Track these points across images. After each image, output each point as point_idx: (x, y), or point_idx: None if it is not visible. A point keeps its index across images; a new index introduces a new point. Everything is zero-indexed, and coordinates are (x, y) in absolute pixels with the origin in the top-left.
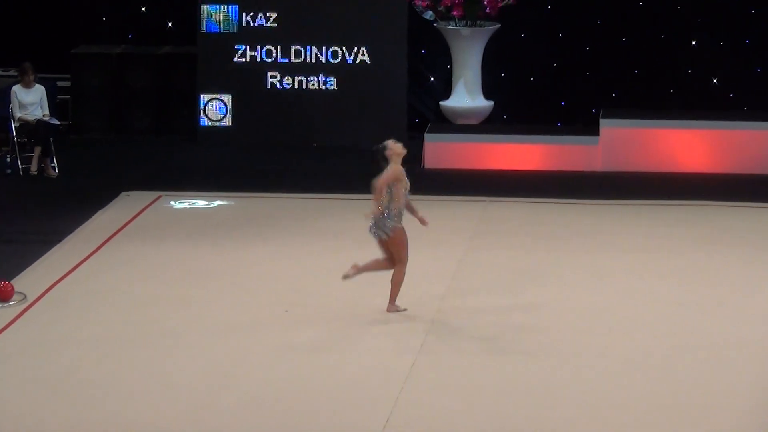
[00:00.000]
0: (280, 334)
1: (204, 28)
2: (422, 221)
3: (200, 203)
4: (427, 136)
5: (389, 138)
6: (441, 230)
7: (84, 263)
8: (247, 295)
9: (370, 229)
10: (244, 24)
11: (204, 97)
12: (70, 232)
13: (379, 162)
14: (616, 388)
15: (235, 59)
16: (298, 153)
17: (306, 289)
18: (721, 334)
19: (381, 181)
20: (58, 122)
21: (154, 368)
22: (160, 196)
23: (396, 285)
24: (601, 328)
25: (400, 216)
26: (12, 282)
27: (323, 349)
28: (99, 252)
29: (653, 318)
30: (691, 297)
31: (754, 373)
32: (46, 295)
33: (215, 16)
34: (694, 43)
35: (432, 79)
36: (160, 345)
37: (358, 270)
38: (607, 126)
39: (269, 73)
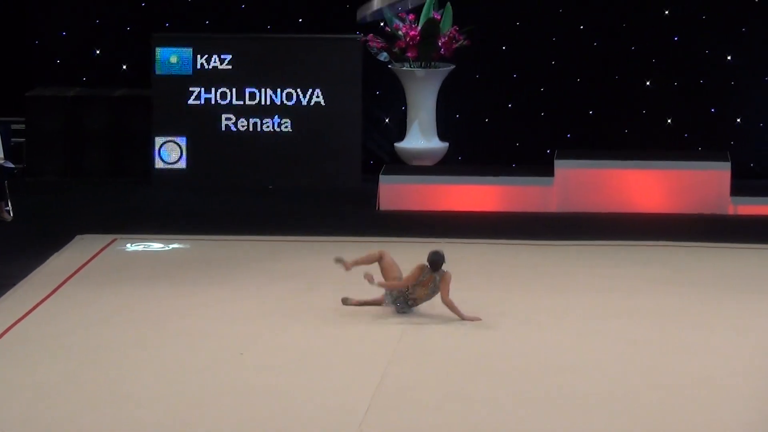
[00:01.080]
0: (235, 376)
1: (158, 71)
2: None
3: (155, 246)
4: (381, 177)
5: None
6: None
7: (38, 307)
8: (203, 338)
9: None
10: (198, 66)
11: (158, 140)
12: (25, 276)
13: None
14: (571, 428)
15: (190, 101)
16: (253, 195)
17: (261, 332)
18: (677, 374)
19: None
20: (13, 165)
21: (111, 412)
22: (115, 239)
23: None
24: (557, 368)
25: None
26: None
27: (279, 391)
28: (53, 296)
29: (609, 358)
30: (646, 337)
31: (712, 411)
32: (1, 339)
33: (170, 59)
34: (648, 83)
35: (386, 120)
36: (116, 389)
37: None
38: (561, 167)
39: (224, 116)
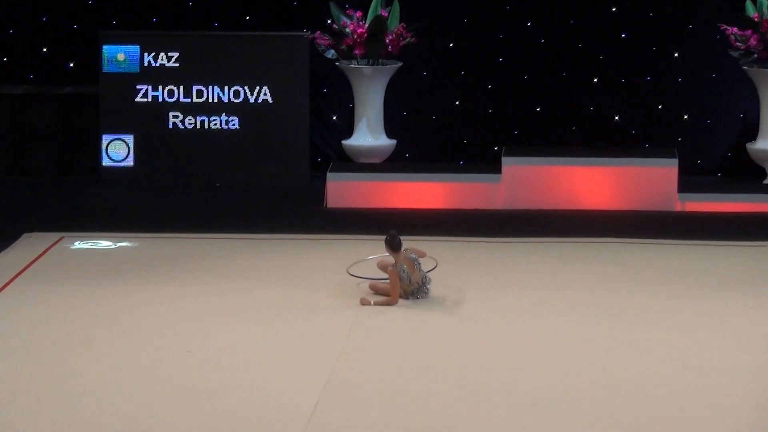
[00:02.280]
0: (182, 374)
1: (106, 68)
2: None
3: (103, 244)
4: (329, 175)
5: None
6: (343, 270)
7: None
8: (150, 336)
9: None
10: (145, 64)
11: (106, 138)
12: None
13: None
14: (519, 425)
15: (137, 99)
16: (200, 193)
17: (209, 330)
18: (625, 370)
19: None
20: None
21: (57, 410)
22: (62, 237)
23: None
24: (505, 365)
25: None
26: None
27: (227, 389)
28: (0, 294)
29: (558, 355)
30: (596, 334)
31: (659, 408)
32: None
33: (117, 57)
34: (595, 80)
35: (334, 117)
36: (62, 387)
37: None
38: (509, 164)
39: (171, 113)
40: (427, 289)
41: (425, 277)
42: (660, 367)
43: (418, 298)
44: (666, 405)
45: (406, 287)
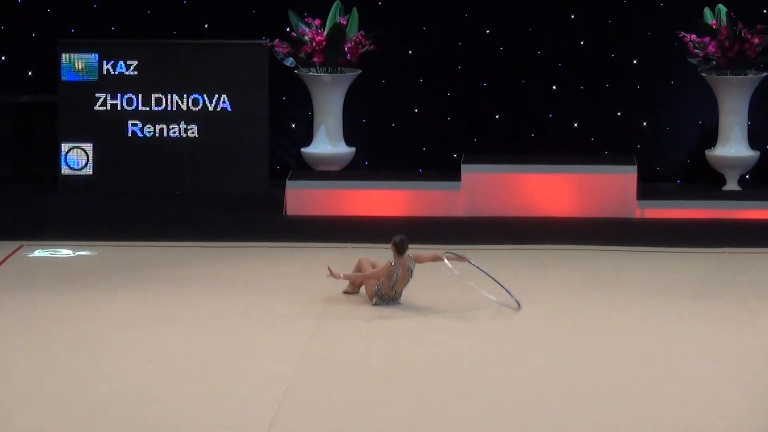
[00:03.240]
0: (142, 383)
1: (64, 77)
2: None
3: (62, 252)
4: (288, 183)
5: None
6: (303, 276)
7: None
8: (111, 344)
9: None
10: (104, 72)
11: (65, 146)
12: None
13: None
14: None
15: (96, 107)
16: (160, 201)
17: (169, 338)
18: (587, 377)
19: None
20: None
21: (15, 419)
22: (21, 246)
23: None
24: (464, 372)
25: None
26: None
27: (186, 397)
28: None
29: (516, 362)
30: (557, 340)
31: (622, 414)
32: None
33: (75, 65)
34: (554, 87)
35: (293, 125)
36: (20, 394)
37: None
38: (468, 171)
39: (130, 121)
40: (398, 303)
41: (400, 294)
42: (621, 373)
43: (380, 305)
44: (627, 411)
45: (386, 289)
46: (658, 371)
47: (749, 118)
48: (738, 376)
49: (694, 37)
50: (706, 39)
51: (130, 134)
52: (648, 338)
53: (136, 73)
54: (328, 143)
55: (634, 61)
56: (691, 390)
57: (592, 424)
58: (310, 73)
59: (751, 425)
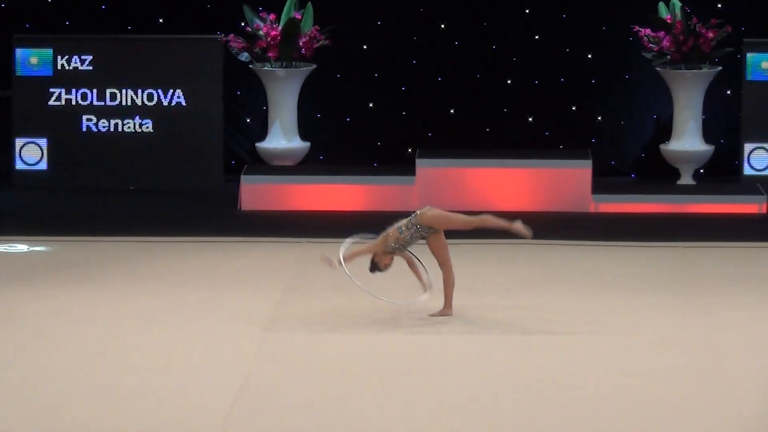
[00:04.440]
0: (97, 377)
1: (18, 72)
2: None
3: (18, 248)
4: (243, 177)
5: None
6: (258, 272)
7: None
8: (64, 339)
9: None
10: (59, 67)
11: (19, 141)
12: None
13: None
14: (432, 428)
15: (51, 102)
16: (115, 196)
17: (123, 332)
18: (543, 373)
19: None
20: None
21: None
22: None
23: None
24: (417, 368)
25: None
26: None
27: (142, 392)
28: None
29: (476, 358)
30: (513, 336)
31: (577, 411)
32: None
33: (30, 60)
34: (509, 82)
35: (248, 120)
36: None
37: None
38: (423, 166)
39: (85, 116)
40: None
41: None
42: (577, 368)
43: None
44: (582, 407)
45: (392, 245)
46: (616, 367)
47: (704, 113)
48: (694, 370)
49: (648, 31)
50: (661, 33)
51: (85, 129)
52: (603, 332)
53: (91, 68)
54: (282, 138)
55: (589, 56)
56: (647, 384)
57: (549, 420)
58: (265, 68)
59: (708, 419)
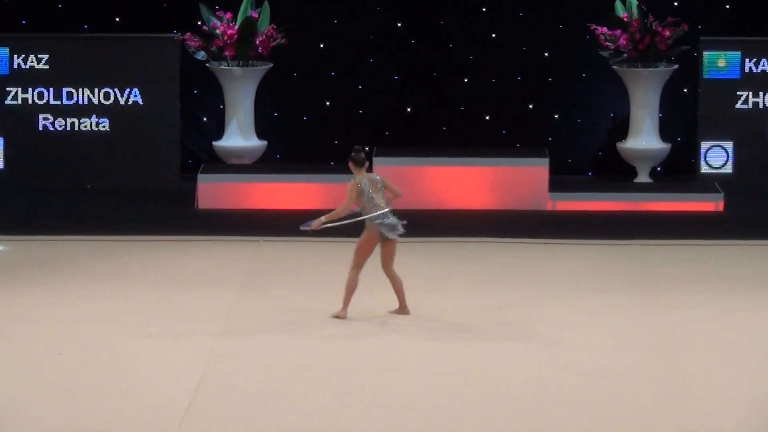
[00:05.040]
0: (53, 377)
1: None
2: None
3: None
4: (200, 176)
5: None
6: (215, 271)
7: None
8: (21, 338)
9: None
10: (15, 66)
11: None
12: None
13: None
14: (393, 426)
15: (7, 101)
16: (72, 195)
17: (80, 332)
18: (503, 372)
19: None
20: None
21: None
22: None
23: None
24: (377, 367)
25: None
26: None
27: (98, 391)
28: None
29: (433, 357)
30: (471, 335)
31: (539, 411)
32: None
33: None
34: (466, 80)
35: (205, 119)
36: None
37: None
38: (380, 164)
39: (41, 115)
40: (401, 229)
41: (392, 210)
42: (537, 367)
43: (387, 238)
44: (545, 406)
45: (366, 204)
46: (577, 365)
47: (660, 111)
48: (648, 368)
49: (605, 29)
50: (618, 32)
51: (41, 128)
52: (564, 331)
53: (47, 67)
54: (239, 136)
55: (546, 54)
56: (598, 383)
57: (511, 420)
58: (222, 67)
59: (665, 416)
